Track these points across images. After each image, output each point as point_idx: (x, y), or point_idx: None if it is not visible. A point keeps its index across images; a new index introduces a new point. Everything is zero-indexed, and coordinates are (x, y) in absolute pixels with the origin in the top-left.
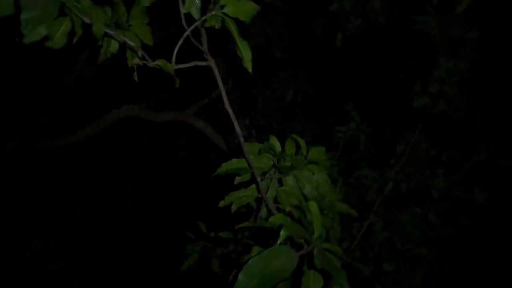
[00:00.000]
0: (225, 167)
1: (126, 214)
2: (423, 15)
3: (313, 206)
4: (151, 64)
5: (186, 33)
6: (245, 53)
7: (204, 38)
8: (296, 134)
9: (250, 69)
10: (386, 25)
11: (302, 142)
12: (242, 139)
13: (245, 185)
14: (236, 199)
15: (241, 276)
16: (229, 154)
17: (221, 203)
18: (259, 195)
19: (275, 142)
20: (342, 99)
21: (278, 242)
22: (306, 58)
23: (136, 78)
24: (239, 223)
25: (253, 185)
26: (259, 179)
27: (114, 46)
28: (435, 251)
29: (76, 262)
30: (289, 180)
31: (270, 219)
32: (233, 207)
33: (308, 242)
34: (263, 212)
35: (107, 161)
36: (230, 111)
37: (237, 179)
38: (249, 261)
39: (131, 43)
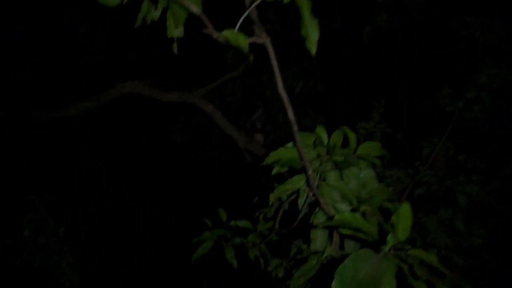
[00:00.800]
0: (273, 156)
1: (126, 214)
2: (469, 16)
3: (405, 208)
4: (216, 36)
5: (251, 8)
6: (312, 33)
7: (255, 15)
8: (305, 129)
9: (314, 52)
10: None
11: (352, 135)
12: (295, 128)
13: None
14: (283, 191)
15: (335, 285)
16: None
17: (271, 198)
18: (305, 189)
19: (322, 134)
20: (354, 96)
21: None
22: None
23: (175, 50)
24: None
25: (296, 177)
26: (310, 172)
27: (155, 12)
28: (462, 259)
29: (76, 262)
30: (332, 174)
31: (338, 217)
32: (271, 199)
33: (393, 246)
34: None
35: (107, 161)
36: (284, 95)
37: (276, 169)
38: (339, 268)
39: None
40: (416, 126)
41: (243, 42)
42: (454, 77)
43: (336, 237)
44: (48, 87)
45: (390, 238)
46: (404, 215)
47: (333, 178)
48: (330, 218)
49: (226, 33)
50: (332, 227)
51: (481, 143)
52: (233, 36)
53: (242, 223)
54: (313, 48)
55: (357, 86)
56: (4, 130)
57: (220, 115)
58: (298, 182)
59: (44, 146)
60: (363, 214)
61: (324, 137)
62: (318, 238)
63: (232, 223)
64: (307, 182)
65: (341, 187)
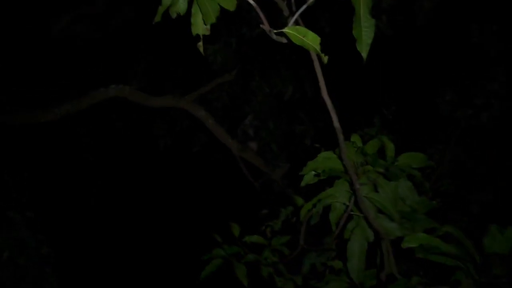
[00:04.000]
0: (311, 166)
1: (125, 217)
2: (479, 23)
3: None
4: (272, 32)
5: (302, 9)
6: (366, 34)
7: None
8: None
9: (365, 55)
10: (426, 28)
11: (390, 145)
12: (341, 136)
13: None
14: (319, 201)
15: None
16: (229, 152)
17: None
18: (346, 202)
19: (358, 141)
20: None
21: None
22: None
23: (201, 49)
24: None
25: (332, 189)
26: (358, 186)
27: (182, 4)
28: None
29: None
30: (366, 187)
31: (408, 238)
32: (304, 211)
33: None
34: (353, 223)
35: (107, 162)
36: (328, 100)
37: (306, 179)
38: None
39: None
40: (417, 132)
41: (315, 39)
42: (456, 83)
43: (390, 258)
44: (23, 87)
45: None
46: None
47: (368, 190)
48: (376, 233)
49: (289, 29)
50: (380, 244)
51: (489, 149)
52: (300, 32)
53: (254, 238)
54: (364, 52)
55: (355, 91)
56: None
57: (213, 121)
58: (337, 194)
59: (24, 153)
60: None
61: (360, 145)
62: (356, 256)
63: (246, 238)
64: (354, 195)
65: (378, 200)
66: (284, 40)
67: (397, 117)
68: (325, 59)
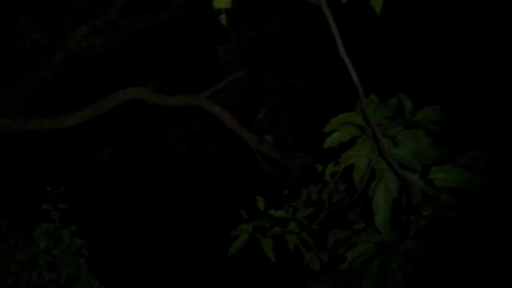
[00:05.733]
0: (335, 122)
1: (130, 215)
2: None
3: None
4: None
5: None
6: None
7: None
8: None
9: (379, 10)
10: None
11: (408, 102)
12: (361, 90)
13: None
14: (347, 158)
15: None
16: (246, 144)
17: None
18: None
19: (376, 100)
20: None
21: None
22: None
23: (225, 22)
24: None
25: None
26: (380, 135)
27: None
28: None
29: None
30: (384, 142)
31: (434, 169)
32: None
33: None
34: (386, 179)
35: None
36: (346, 58)
37: (328, 142)
38: None
39: None
40: None
41: None
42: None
43: (418, 198)
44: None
45: None
46: None
47: (387, 146)
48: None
49: None
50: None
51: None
52: None
53: (279, 213)
54: (378, 6)
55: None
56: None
57: (229, 116)
58: (362, 149)
59: (52, 152)
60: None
61: (379, 103)
62: (382, 210)
63: (272, 212)
64: (376, 147)
65: (401, 154)
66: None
67: None
68: None
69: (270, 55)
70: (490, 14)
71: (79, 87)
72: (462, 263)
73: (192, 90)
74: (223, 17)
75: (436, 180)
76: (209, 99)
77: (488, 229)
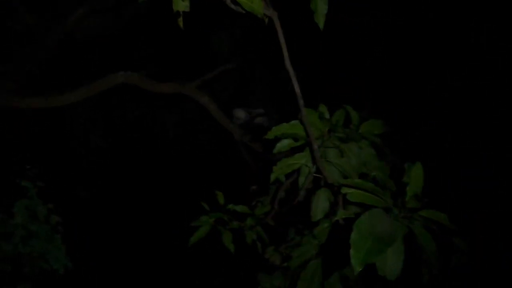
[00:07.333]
0: (275, 131)
1: (122, 202)
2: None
3: (417, 167)
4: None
5: None
6: (320, 6)
7: None
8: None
9: (321, 25)
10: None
11: (354, 114)
12: (302, 102)
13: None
14: (286, 166)
15: (354, 236)
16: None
17: (273, 176)
18: (309, 165)
19: (325, 111)
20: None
21: None
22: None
23: (181, 24)
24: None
25: (299, 154)
26: (315, 146)
27: None
28: None
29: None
30: (331, 152)
31: (348, 181)
32: (274, 175)
33: (401, 208)
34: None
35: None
36: (291, 71)
37: (278, 147)
38: (357, 222)
39: None
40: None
41: (259, 5)
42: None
43: (340, 206)
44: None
45: (408, 189)
46: (416, 173)
47: (334, 155)
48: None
49: None
50: (337, 195)
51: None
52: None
53: (239, 208)
54: (321, 22)
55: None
56: None
57: (216, 107)
58: (301, 158)
59: (36, 131)
60: (374, 180)
61: (326, 114)
62: (319, 211)
63: (230, 206)
64: (312, 156)
65: (341, 164)
66: (242, 11)
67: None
68: (266, 21)
69: (262, 46)
70: (490, 13)
71: (76, 70)
72: None
73: (188, 78)
74: (180, 20)
75: (347, 195)
76: (196, 89)
77: None
